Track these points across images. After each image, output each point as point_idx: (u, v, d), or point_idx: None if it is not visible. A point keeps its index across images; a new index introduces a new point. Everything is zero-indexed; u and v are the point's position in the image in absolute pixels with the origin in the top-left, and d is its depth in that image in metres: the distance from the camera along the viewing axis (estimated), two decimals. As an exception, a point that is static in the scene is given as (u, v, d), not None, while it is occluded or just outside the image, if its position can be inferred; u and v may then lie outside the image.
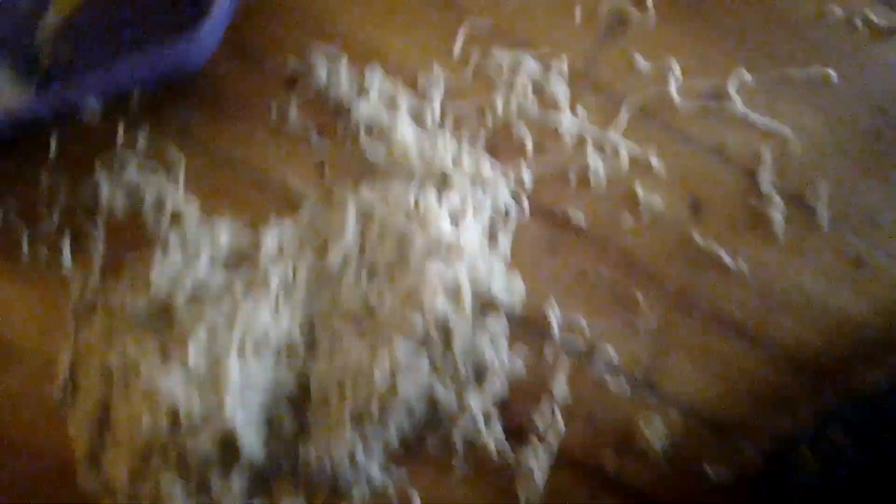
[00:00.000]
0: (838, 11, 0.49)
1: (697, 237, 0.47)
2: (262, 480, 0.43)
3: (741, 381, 0.47)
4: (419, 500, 0.44)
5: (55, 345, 0.43)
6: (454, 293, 0.43)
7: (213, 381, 0.41)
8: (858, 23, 0.49)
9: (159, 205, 0.45)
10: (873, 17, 0.49)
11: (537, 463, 0.45)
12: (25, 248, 0.44)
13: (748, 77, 0.48)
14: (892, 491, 0.40)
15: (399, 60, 0.47)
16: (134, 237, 0.45)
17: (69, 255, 0.44)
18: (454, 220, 0.44)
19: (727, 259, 0.47)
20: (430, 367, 0.43)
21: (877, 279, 0.48)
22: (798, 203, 0.48)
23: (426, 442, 0.44)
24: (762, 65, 0.49)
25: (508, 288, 0.45)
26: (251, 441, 0.41)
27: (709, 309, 0.47)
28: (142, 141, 0.45)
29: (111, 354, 0.42)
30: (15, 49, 0.44)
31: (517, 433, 0.45)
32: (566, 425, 0.45)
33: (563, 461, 0.45)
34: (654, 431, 0.46)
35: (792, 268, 0.47)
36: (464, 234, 0.44)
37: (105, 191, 0.44)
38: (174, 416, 0.40)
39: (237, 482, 0.41)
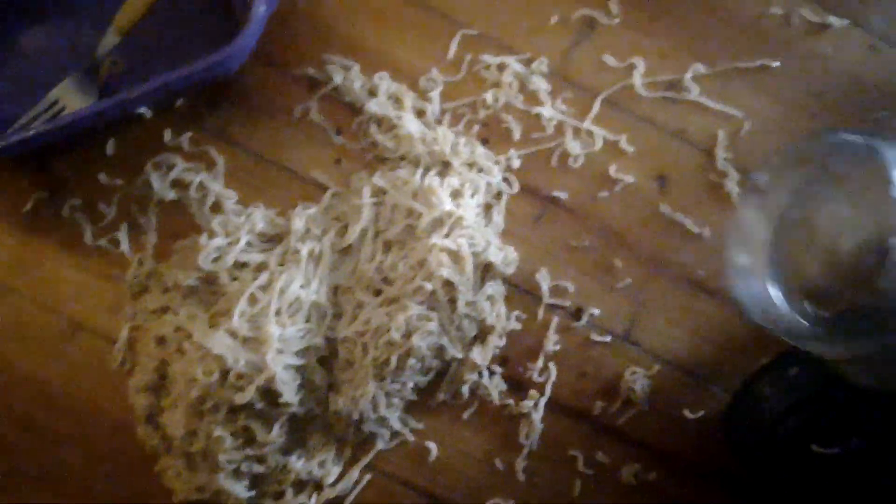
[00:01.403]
0: (778, 11, 0.55)
1: (665, 208, 0.53)
2: (299, 434, 0.49)
3: (709, 332, 0.52)
4: (435, 447, 0.50)
5: (115, 320, 0.49)
6: (457, 262, 0.49)
7: (255, 341, 0.47)
8: (795, 20, 0.55)
9: (202, 197, 0.51)
10: (808, 15, 0.55)
11: (535, 409, 0.50)
12: (88, 237, 0.50)
13: (703, 69, 0.55)
14: (839, 421, 0.45)
15: (402, 66, 0.53)
16: (181, 225, 0.50)
17: (126, 242, 0.50)
18: (455, 200, 0.51)
19: (692, 226, 0.53)
20: (439, 326, 0.49)
21: (824, 240, 0.54)
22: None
23: (438, 394, 0.50)
24: (715, 59, 0.55)
25: (504, 257, 0.51)
26: (289, 391, 0.47)
27: (678, 270, 0.53)
28: (186, 141, 0.51)
29: (165, 325, 0.49)
30: (79, 63, 0.50)
31: (516, 384, 0.51)
32: (559, 376, 0.51)
33: (557, 408, 0.51)
34: (636, 379, 0.51)
35: (748, 232, 0.54)
36: (463, 211, 0.50)
37: (156, 186, 0.50)
38: (223, 374, 0.46)
39: (278, 434, 0.47)
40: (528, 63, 0.55)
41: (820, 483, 0.44)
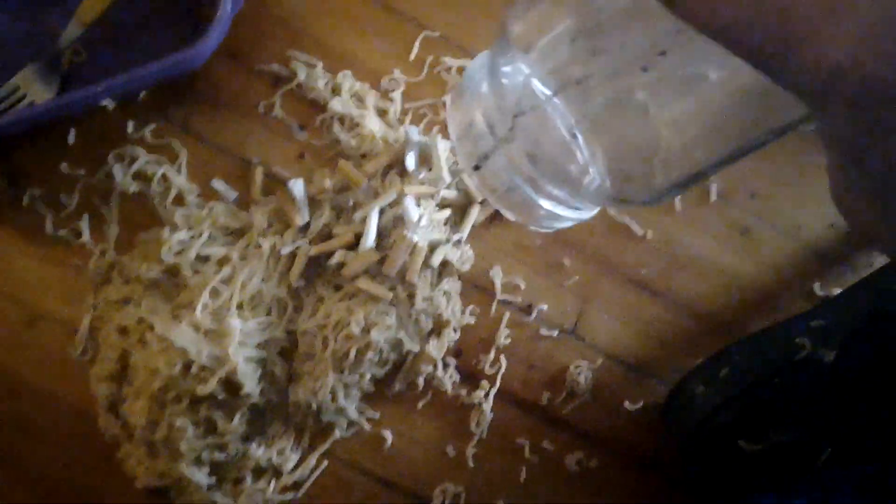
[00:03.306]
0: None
1: (611, 210, 0.56)
2: (259, 423, 0.51)
3: (650, 329, 0.56)
4: (390, 435, 0.53)
5: (76, 310, 0.50)
6: (416, 259, 0.51)
7: (217, 334, 0.48)
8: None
9: (165, 190, 0.51)
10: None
11: (485, 400, 0.53)
12: (49, 227, 0.50)
13: (652, 80, 0.58)
14: (764, 418, 0.49)
15: (366, 66, 0.55)
16: (143, 217, 0.51)
17: (88, 233, 0.50)
18: (415, 198, 0.53)
19: (636, 228, 0.56)
20: (397, 321, 0.51)
21: (759, 243, 0.57)
22: (694, 183, 0.58)
23: (394, 385, 0.53)
24: (664, 70, 0.58)
25: (460, 255, 0.53)
26: (250, 382, 0.48)
27: (623, 270, 0.56)
28: (149, 134, 0.51)
29: (127, 316, 0.50)
30: (41, 53, 0.50)
31: (469, 375, 0.53)
32: (509, 368, 0.53)
33: (507, 398, 0.54)
34: (581, 372, 0.54)
35: (689, 235, 0.57)
36: (423, 209, 0.52)
37: (118, 178, 0.50)
38: (186, 365, 0.48)
39: (238, 423, 0.49)
40: (487, 67, 0.56)
41: (746, 474, 0.48)
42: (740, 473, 0.47)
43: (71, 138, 0.51)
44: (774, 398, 0.48)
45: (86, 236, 0.50)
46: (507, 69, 0.34)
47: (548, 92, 0.31)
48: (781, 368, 0.49)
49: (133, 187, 0.51)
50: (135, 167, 0.51)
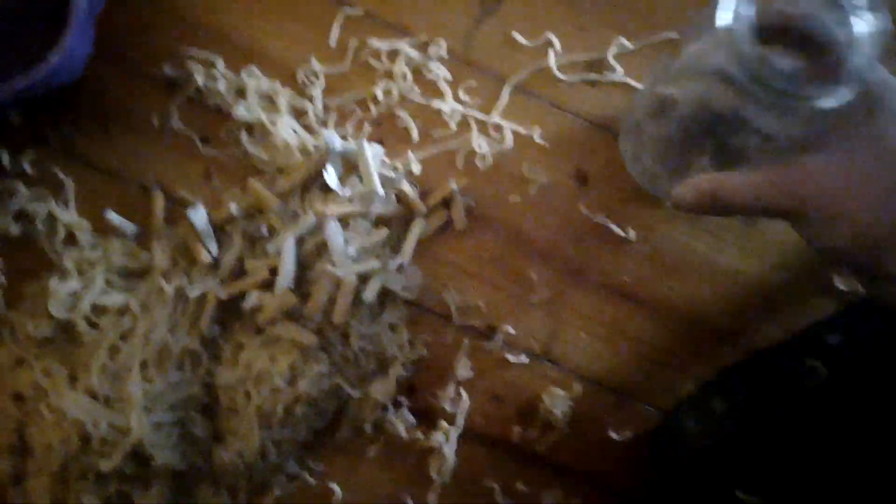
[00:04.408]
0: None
1: (584, 209, 0.47)
2: (183, 486, 0.45)
3: (635, 345, 0.47)
4: (339, 488, 0.46)
5: (-34, 375, 0.44)
6: (344, 296, 0.44)
7: (118, 398, 0.42)
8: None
9: (52, 229, 0.44)
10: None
11: (446, 441, 0.46)
12: (-76, 285, 0.44)
13: (628, 45, 0.48)
14: (765, 463, 0.42)
15: (276, 58, 0.46)
16: (31, 263, 0.44)
17: (-31, 287, 0.44)
18: (342, 219, 0.44)
19: (615, 228, 0.47)
20: (332, 366, 0.44)
21: (761, 235, 0.48)
22: (683, 168, 0.48)
23: (338, 433, 0.46)
24: (640, 31, 0.48)
25: (403, 279, 0.46)
26: (163, 450, 0.42)
27: (600, 279, 0.47)
28: (28, 165, 0.44)
29: (21, 380, 0.44)
30: None
31: (426, 414, 0.46)
32: (471, 402, 0.46)
33: (471, 436, 0.46)
34: (555, 401, 0.47)
35: (679, 231, 0.48)
36: (353, 231, 0.44)
37: (-4, 220, 0.44)
38: (84, 438, 0.42)
39: (157, 492, 0.43)
40: (423, 47, 0.47)
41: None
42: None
43: (-64, 179, 0.44)
44: (777, 438, 0.40)
45: (-33, 291, 0.44)
46: None
47: None
48: (787, 400, 0.41)
49: (15, 229, 0.44)
50: (14, 206, 0.44)
